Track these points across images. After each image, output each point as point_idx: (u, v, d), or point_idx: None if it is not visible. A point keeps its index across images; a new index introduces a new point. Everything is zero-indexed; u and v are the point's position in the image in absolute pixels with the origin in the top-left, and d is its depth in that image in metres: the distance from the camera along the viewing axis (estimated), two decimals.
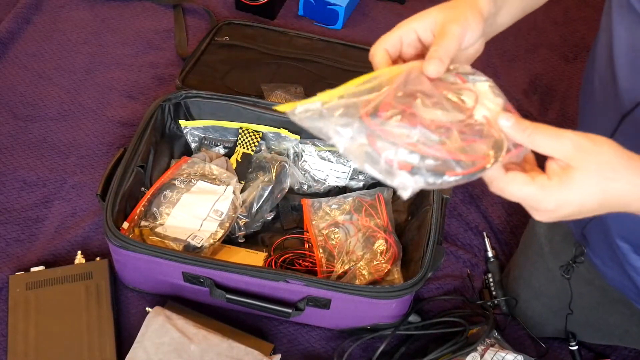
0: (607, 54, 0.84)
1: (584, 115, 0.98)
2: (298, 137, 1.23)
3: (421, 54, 0.70)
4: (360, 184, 1.25)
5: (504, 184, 0.60)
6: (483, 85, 0.65)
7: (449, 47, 0.65)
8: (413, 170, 0.57)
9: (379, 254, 1.12)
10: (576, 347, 1.10)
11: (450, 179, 0.58)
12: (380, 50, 0.70)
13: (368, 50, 0.71)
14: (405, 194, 0.58)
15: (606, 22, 0.84)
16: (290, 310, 1.03)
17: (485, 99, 0.64)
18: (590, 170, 0.57)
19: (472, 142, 0.59)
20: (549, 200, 0.59)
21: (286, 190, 1.21)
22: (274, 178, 1.19)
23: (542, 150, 0.59)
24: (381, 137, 0.58)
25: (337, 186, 1.26)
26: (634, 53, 0.79)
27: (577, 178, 0.57)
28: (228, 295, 1.02)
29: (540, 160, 0.61)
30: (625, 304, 1.00)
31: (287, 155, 1.25)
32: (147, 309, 1.04)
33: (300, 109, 0.60)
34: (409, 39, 0.70)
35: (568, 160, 0.58)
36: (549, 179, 0.58)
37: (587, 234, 0.97)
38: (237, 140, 1.23)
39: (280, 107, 0.61)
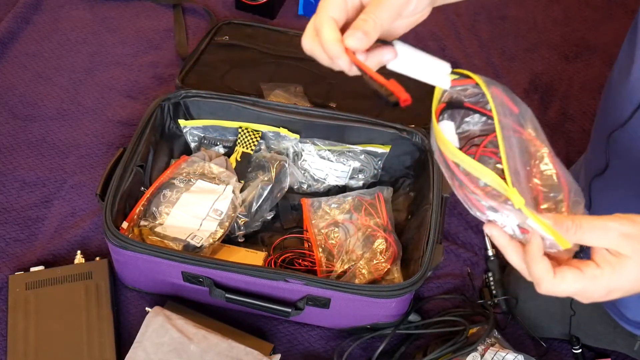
0: (630, 42, 0.81)
1: (602, 105, 0.95)
2: (297, 136, 1.23)
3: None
4: (360, 183, 1.25)
5: (553, 285, 0.59)
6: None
7: (381, 18, 0.56)
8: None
9: (378, 253, 1.12)
10: (580, 351, 1.09)
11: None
12: (328, 21, 0.56)
13: None
14: None
15: None
16: (289, 310, 1.03)
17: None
18: None
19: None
20: (600, 289, 0.59)
21: (286, 190, 1.21)
22: (273, 177, 1.19)
23: (591, 244, 0.58)
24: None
25: (336, 185, 1.25)
26: None
27: (629, 265, 0.57)
28: (227, 295, 1.02)
29: None
30: (611, 316, 1.01)
31: (287, 155, 1.24)
32: (146, 308, 1.04)
33: None
34: (353, 2, 0.58)
35: (618, 249, 0.57)
36: (598, 267, 0.58)
37: None
38: (236, 140, 1.23)
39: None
